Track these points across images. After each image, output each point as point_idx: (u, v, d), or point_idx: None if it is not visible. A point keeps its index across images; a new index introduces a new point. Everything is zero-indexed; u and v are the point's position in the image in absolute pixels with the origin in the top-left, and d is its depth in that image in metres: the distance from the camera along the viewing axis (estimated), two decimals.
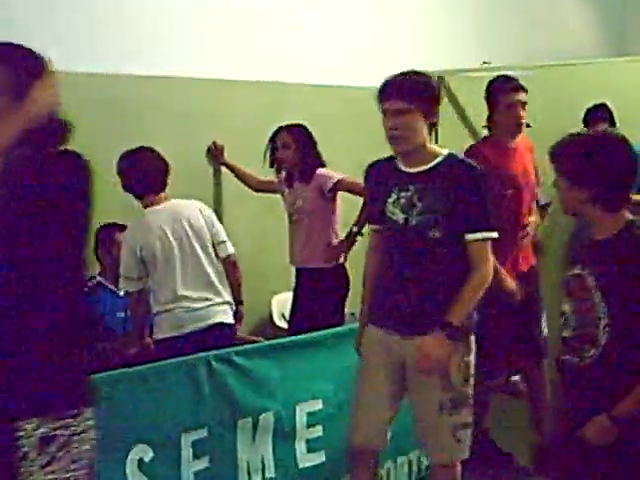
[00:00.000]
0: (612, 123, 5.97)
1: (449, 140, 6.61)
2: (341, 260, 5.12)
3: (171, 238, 4.28)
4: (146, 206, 4.35)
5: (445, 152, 3.49)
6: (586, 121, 5.98)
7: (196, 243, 4.33)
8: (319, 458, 3.86)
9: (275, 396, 3.72)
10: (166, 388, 3.40)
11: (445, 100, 6.69)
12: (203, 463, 3.47)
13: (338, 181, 5.06)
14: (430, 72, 6.38)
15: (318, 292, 5.04)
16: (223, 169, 5.47)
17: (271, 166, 5.22)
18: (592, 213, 2.92)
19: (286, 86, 5.70)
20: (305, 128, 5.15)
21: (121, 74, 4.91)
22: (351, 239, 5.11)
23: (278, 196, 5.28)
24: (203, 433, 3.47)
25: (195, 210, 4.43)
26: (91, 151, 2.38)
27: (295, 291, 5.17)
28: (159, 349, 4.14)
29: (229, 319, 4.35)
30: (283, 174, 5.23)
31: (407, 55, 6.36)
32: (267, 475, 3.68)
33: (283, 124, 5.14)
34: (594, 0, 8.42)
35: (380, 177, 3.59)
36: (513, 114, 4.56)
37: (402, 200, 3.44)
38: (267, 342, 3.86)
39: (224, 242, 4.43)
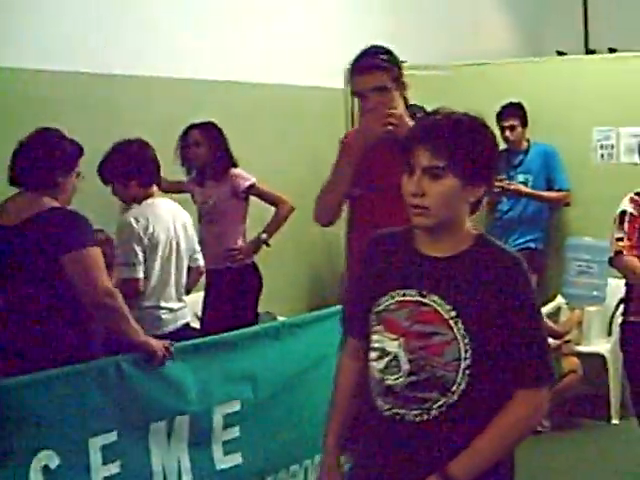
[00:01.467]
0: (524, 122, 6.10)
1: None
2: (252, 259, 5.16)
3: (172, 235, 4.20)
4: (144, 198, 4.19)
5: None
6: (499, 118, 6.09)
7: (184, 247, 4.29)
8: (236, 460, 3.83)
9: (190, 398, 3.66)
10: (73, 392, 3.30)
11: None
12: (114, 468, 3.39)
13: (252, 185, 5.09)
14: (346, 71, 6.65)
15: (230, 292, 5.05)
16: None
17: (182, 164, 5.20)
18: (458, 222, 2.26)
19: (199, 83, 5.67)
20: (216, 126, 5.15)
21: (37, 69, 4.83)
22: (256, 246, 5.14)
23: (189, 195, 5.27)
24: (112, 437, 3.39)
25: (185, 215, 4.38)
26: None
27: (207, 291, 5.17)
28: None
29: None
30: (194, 173, 5.21)
31: (322, 54, 6.40)
32: (184, 479, 3.63)
33: (194, 122, 5.13)
34: (510, 1, 8.57)
35: None
36: (361, 104, 3.57)
37: None
38: (179, 344, 3.80)
39: (199, 252, 4.43)
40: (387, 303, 2.27)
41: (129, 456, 3.44)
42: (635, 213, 4.02)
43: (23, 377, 3.22)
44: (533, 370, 2.22)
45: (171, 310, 4.21)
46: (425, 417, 2.23)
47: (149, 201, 4.20)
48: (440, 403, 2.21)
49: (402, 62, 6.78)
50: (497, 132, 6.04)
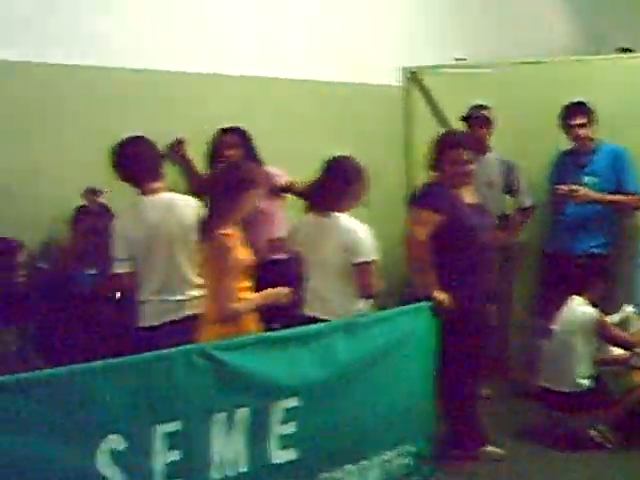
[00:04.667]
0: (592, 121, 6.25)
1: (424, 136, 6.97)
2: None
3: (160, 230, 4.59)
4: (142, 194, 4.68)
5: None
6: (566, 117, 6.27)
7: (179, 240, 4.63)
8: (292, 455, 4.14)
9: (251, 391, 3.99)
10: (142, 379, 3.65)
11: (419, 96, 7.07)
12: (176, 455, 3.72)
13: (286, 182, 5.64)
14: (404, 68, 6.93)
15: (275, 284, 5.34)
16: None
17: (210, 167, 5.51)
18: None
19: (253, 80, 6.00)
20: (245, 130, 5.50)
21: (87, 65, 5.30)
22: None
23: None
24: (177, 426, 3.72)
25: (189, 208, 4.71)
26: None
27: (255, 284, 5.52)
28: (141, 337, 4.51)
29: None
30: None
31: (382, 51, 6.71)
32: (240, 470, 3.94)
33: (225, 127, 5.51)
34: None
35: None
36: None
37: None
38: (245, 337, 4.13)
39: None
40: None
41: (191, 445, 3.78)
42: None
43: (92, 364, 3.57)
44: None
45: (168, 302, 4.60)
46: None
47: (139, 198, 4.69)
48: None
49: (461, 59, 7.21)
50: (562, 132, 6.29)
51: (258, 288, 5.45)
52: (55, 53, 5.15)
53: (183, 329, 4.43)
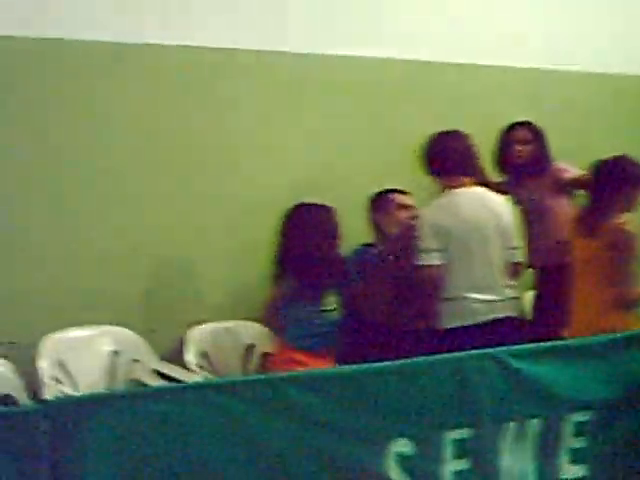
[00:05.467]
0: None
1: None
2: None
3: (474, 225, 4.58)
4: (449, 188, 4.69)
5: None
6: None
7: (493, 237, 4.63)
8: (582, 471, 4.00)
9: (544, 402, 3.89)
10: (432, 383, 3.63)
11: None
12: (464, 464, 3.69)
13: (575, 177, 5.33)
14: None
15: (559, 290, 5.18)
16: None
17: (499, 162, 5.40)
18: None
19: (543, 73, 5.89)
20: (537, 125, 5.37)
21: (376, 57, 5.46)
22: None
23: None
24: (467, 433, 3.69)
25: (500, 205, 4.72)
26: None
27: (537, 290, 5.36)
28: (447, 338, 4.53)
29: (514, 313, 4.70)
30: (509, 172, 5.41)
31: None
32: None
33: (518, 120, 5.39)
34: None
35: None
36: None
37: None
38: (541, 345, 4.04)
39: (516, 247, 4.77)
40: None
41: (480, 453, 3.73)
42: None
43: (382, 364, 3.58)
44: None
45: (481, 301, 4.55)
46: None
47: (451, 191, 4.66)
48: None
49: None
50: None
51: (539, 295, 5.37)
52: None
53: (492, 332, 4.40)
